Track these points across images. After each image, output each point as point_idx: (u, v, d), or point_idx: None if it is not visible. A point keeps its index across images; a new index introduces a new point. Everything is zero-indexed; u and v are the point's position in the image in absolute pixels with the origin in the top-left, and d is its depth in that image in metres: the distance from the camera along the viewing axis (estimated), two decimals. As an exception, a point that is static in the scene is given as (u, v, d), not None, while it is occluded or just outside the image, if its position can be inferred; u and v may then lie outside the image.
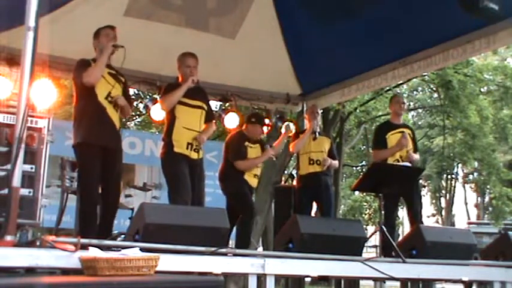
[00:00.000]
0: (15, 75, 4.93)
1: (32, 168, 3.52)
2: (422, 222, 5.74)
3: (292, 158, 10.65)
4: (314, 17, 5.97)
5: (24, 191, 3.36)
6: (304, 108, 7.09)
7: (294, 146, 6.12)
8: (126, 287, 2.48)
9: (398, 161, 5.60)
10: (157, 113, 6.11)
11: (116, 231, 4.85)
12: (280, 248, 4.11)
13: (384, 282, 4.50)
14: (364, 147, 19.24)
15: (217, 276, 3.23)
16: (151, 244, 3.24)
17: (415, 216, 5.61)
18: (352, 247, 4.14)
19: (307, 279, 7.34)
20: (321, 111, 6.95)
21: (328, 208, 5.97)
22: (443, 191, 23.73)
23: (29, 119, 3.26)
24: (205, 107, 4.89)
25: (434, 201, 26.68)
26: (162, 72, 6.16)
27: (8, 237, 2.89)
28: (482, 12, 4.08)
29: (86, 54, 4.40)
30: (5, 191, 3.01)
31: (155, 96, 6.81)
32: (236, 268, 3.49)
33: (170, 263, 3.13)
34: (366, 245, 4.58)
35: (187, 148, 4.64)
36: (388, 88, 13.05)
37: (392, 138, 5.72)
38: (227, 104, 7.11)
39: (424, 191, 25.00)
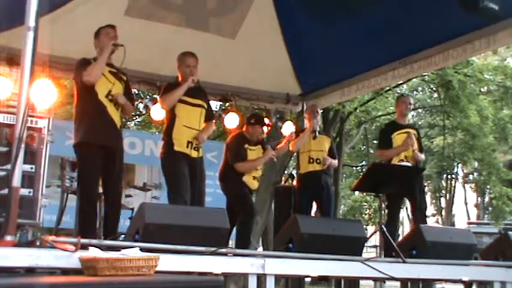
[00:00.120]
0: (15, 75, 4.93)
1: (32, 168, 3.52)
2: (426, 222, 5.77)
3: (292, 158, 10.65)
4: (314, 17, 5.96)
5: (24, 191, 3.36)
6: (304, 108, 7.09)
7: (294, 145, 6.12)
8: (126, 287, 2.48)
9: (403, 161, 5.60)
10: (157, 112, 6.11)
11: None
12: (280, 248, 4.11)
13: (384, 282, 4.51)
14: (364, 147, 19.24)
15: (217, 276, 3.23)
16: (151, 244, 3.24)
17: (419, 216, 5.63)
18: (352, 247, 4.14)
19: (307, 279, 7.35)
20: (321, 111, 6.95)
21: (328, 208, 5.97)
22: (443, 191, 23.73)
23: (29, 119, 3.26)
24: (206, 106, 4.89)
25: (434, 201, 26.67)
26: (162, 72, 6.16)
27: (8, 237, 2.89)
28: (482, 12, 4.08)
29: (86, 54, 4.40)
30: (5, 191, 3.01)
31: (155, 96, 6.81)
32: (236, 268, 3.49)
33: (170, 263, 3.13)
34: (366, 245, 4.58)
35: (187, 146, 4.65)
36: (388, 88, 13.04)
37: (397, 138, 5.73)
38: (227, 104, 7.11)
39: (424, 191, 24.88)
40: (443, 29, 5.18)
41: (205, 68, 5.00)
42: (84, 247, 2.97)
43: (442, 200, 25.07)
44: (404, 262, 4.14)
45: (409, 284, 5.01)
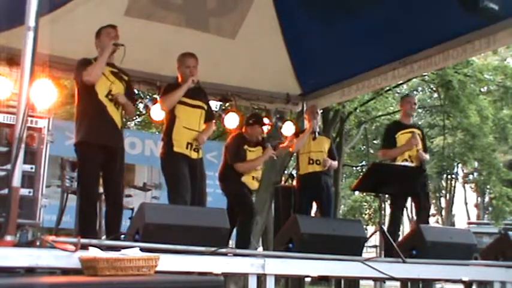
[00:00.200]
0: (15, 75, 4.93)
1: (32, 168, 3.52)
2: (428, 223, 5.78)
3: (292, 158, 10.65)
4: (314, 17, 5.96)
5: (24, 191, 3.36)
6: (304, 108, 7.09)
7: (294, 146, 6.12)
8: (126, 287, 2.48)
9: (407, 161, 5.60)
10: (157, 113, 6.11)
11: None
12: (280, 248, 4.11)
13: (384, 282, 4.51)
14: (364, 147, 19.24)
15: (217, 276, 3.23)
16: (151, 244, 3.24)
17: (423, 216, 5.64)
18: (352, 247, 4.14)
19: (307, 279, 7.35)
20: (321, 111, 6.96)
21: (328, 208, 5.97)
22: (443, 191, 23.72)
23: (29, 119, 3.26)
24: (205, 107, 4.89)
25: (434, 201, 26.65)
26: (162, 72, 6.16)
27: (8, 237, 2.89)
28: (482, 12, 4.08)
29: (86, 54, 4.40)
30: (5, 191, 3.01)
31: (155, 96, 6.81)
32: (236, 268, 3.49)
33: (170, 263, 3.13)
34: (366, 245, 4.58)
35: (186, 148, 4.65)
36: (388, 88, 13.04)
37: (401, 137, 5.72)
38: (227, 104, 7.10)
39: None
40: (443, 29, 5.18)
41: (205, 68, 5.00)
42: (84, 247, 2.97)
43: (442, 200, 25.06)
44: (404, 262, 4.14)
45: (409, 284, 5.00)
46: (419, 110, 19.77)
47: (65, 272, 2.93)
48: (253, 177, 5.39)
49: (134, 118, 14.43)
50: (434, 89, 14.56)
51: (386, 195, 5.35)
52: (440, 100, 14.21)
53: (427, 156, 5.83)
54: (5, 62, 5.29)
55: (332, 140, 7.07)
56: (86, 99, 4.27)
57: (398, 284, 4.94)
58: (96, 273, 2.54)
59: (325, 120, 12.52)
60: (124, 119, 4.57)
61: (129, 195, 7.70)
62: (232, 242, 5.29)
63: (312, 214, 6.21)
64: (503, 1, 4.06)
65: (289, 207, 6.08)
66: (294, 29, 6.29)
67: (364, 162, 19.56)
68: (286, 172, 10.34)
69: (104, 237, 4.36)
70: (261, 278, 3.58)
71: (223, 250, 3.57)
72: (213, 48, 5.97)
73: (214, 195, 6.21)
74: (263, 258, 3.56)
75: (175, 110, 4.70)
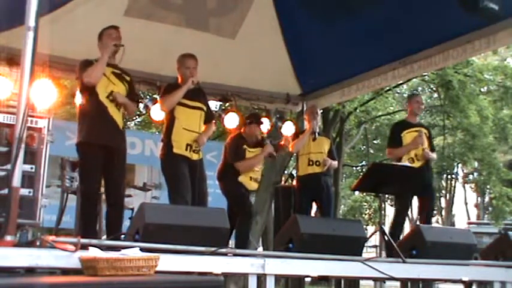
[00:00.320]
0: (15, 75, 4.93)
1: (32, 168, 3.52)
2: (431, 223, 5.79)
3: (292, 158, 10.65)
4: (314, 17, 5.96)
5: (24, 191, 3.35)
6: (304, 108, 7.09)
7: (294, 146, 6.12)
8: (126, 287, 2.48)
9: (413, 160, 5.60)
10: (157, 113, 6.10)
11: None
12: (280, 248, 4.11)
13: (384, 282, 4.51)
14: (364, 147, 19.23)
15: (217, 276, 3.23)
16: (151, 244, 3.24)
17: (428, 215, 5.64)
18: (352, 247, 4.14)
19: (307, 279, 7.34)
20: (321, 111, 6.95)
21: (328, 208, 5.97)
22: (443, 191, 23.70)
23: (29, 119, 3.26)
24: (205, 108, 4.90)
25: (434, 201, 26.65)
26: (162, 72, 6.15)
27: (8, 237, 2.89)
28: (482, 12, 4.08)
29: (86, 54, 4.41)
30: (5, 191, 3.01)
31: (155, 96, 6.81)
32: (236, 268, 3.49)
33: (170, 263, 3.13)
34: (366, 245, 4.58)
35: (186, 149, 4.65)
36: (388, 88, 13.04)
37: (407, 136, 5.71)
38: (227, 104, 7.10)
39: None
40: (443, 29, 5.18)
41: (205, 68, 5.00)
42: (84, 247, 2.97)
43: (442, 200, 25.05)
44: (404, 262, 4.15)
45: (409, 284, 5.01)
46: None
47: (65, 272, 2.93)
48: (251, 177, 5.38)
49: (134, 118, 14.43)
50: (434, 89, 14.56)
51: (386, 195, 5.36)
52: (440, 100, 14.21)
53: (433, 155, 5.81)
54: (5, 62, 5.29)
55: (332, 141, 7.06)
56: (87, 100, 4.29)
57: (398, 284, 4.94)
58: (96, 273, 2.54)
59: (325, 120, 12.51)
60: (124, 119, 4.56)
61: (129, 195, 7.69)
62: (232, 242, 5.29)
63: (312, 214, 6.21)
64: (503, 1, 4.06)
65: (289, 207, 6.08)
66: (294, 29, 6.29)
67: (364, 162, 19.56)
68: (286, 172, 10.33)
69: (104, 237, 4.36)
70: (261, 278, 3.58)
71: (223, 250, 3.57)
72: (213, 48, 5.97)
73: (214, 195, 6.20)
74: (263, 258, 3.57)
75: (174, 111, 4.70)
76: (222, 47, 6.10)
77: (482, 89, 14.89)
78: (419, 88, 16.40)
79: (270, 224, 9.56)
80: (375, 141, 19.20)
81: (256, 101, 7.03)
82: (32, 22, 3.12)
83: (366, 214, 22.39)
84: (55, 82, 5.14)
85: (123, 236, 3.94)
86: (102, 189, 4.41)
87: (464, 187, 25.93)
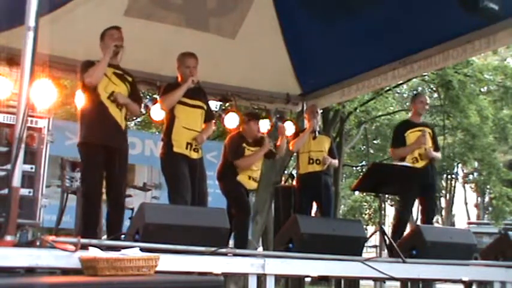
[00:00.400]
0: (15, 75, 4.93)
1: (32, 168, 3.52)
2: (432, 223, 5.79)
3: (292, 158, 10.64)
4: (314, 17, 5.96)
5: (24, 191, 3.35)
6: (304, 108, 7.09)
7: (294, 145, 6.12)
8: (126, 287, 2.48)
9: (417, 159, 5.59)
10: (157, 113, 6.11)
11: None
12: (280, 248, 4.11)
13: (384, 282, 4.51)
14: (364, 147, 19.23)
15: (217, 276, 3.23)
16: (151, 244, 3.24)
17: (430, 215, 5.64)
18: (352, 247, 4.14)
19: (307, 279, 7.34)
20: (321, 111, 6.95)
21: (328, 208, 5.97)
22: (443, 191, 23.71)
23: (29, 119, 3.26)
24: (205, 107, 4.89)
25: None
26: (162, 72, 6.16)
27: (8, 237, 2.89)
28: (482, 12, 4.08)
29: (86, 54, 4.42)
30: (5, 191, 3.01)
31: (155, 96, 6.81)
32: (236, 268, 3.49)
33: (170, 263, 3.13)
34: (366, 245, 4.58)
35: (186, 148, 4.65)
36: (388, 88, 13.04)
37: (411, 136, 5.70)
38: (227, 104, 7.10)
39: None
40: (443, 29, 5.18)
41: (205, 68, 5.00)
42: (84, 247, 2.97)
43: (442, 200, 25.06)
44: (404, 262, 4.15)
45: (409, 284, 5.01)
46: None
47: (65, 272, 2.93)
48: (249, 176, 5.38)
49: (134, 118, 14.43)
50: (434, 89, 14.56)
51: (386, 195, 5.36)
52: (440, 100, 14.20)
53: (437, 155, 5.78)
54: (5, 62, 5.29)
55: (332, 139, 7.06)
56: (88, 100, 4.30)
57: (398, 284, 4.94)
58: (96, 273, 2.54)
59: (325, 120, 12.51)
60: (126, 120, 4.56)
61: (129, 195, 7.69)
62: (232, 242, 5.29)
63: (312, 214, 6.21)
64: (503, 1, 4.06)
65: (289, 207, 6.07)
66: (294, 29, 6.29)
67: (364, 162, 19.56)
68: (286, 172, 10.34)
69: (104, 237, 4.36)
70: (261, 278, 3.58)
71: (223, 250, 3.57)
72: (213, 48, 5.97)
73: (214, 195, 6.20)
74: (263, 258, 3.57)
75: (174, 110, 4.70)
76: (222, 47, 6.10)
77: (482, 89, 14.89)
78: (419, 88, 16.39)
79: (270, 224, 9.56)
80: (375, 141, 19.20)
81: (256, 101, 7.03)
82: (32, 22, 3.12)
83: (366, 214, 22.39)
84: (55, 82, 5.15)
85: (123, 236, 3.94)
86: (103, 190, 4.41)
87: (464, 187, 25.94)
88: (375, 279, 4.53)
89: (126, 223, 4.54)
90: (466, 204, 26.70)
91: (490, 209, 22.10)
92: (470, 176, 23.72)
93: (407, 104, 17.83)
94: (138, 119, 14.85)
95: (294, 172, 6.61)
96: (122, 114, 4.39)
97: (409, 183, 5.17)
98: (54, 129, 3.73)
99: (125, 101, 4.37)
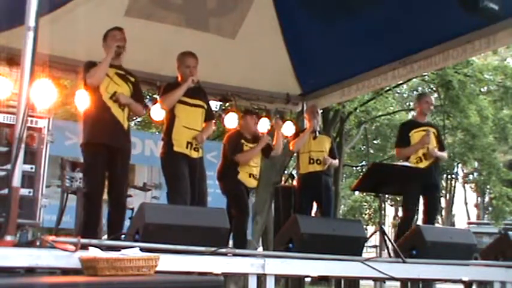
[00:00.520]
0: (15, 75, 4.93)
1: (32, 168, 3.51)
2: (434, 223, 5.79)
3: (292, 158, 10.64)
4: (314, 17, 5.96)
5: (24, 191, 3.35)
6: (304, 108, 7.09)
7: (294, 145, 6.12)
8: (126, 287, 2.48)
9: (421, 159, 5.58)
10: (157, 113, 6.10)
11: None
12: (280, 248, 4.11)
13: (384, 282, 4.51)
14: (364, 147, 19.23)
15: (217, 276, 3.23)
16: (151, 244, 3.25)
17: (432, 215, 5.65)
18: (352, 247, 4.14)
19: (307, 279, 7.34)
20: (321, 111, 6.95)
21: (328, 208, 5.97)
22: (443, 191, 23.71)
23: (29, 119, 3.26)
24: (205, 106, 4.90)
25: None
26: (162, 72, 6.15)
27: (8, 237, 2.89)
28: (482, 12, 4.08)
29: (86, 54, 4.44)
30: (5, 191, 3.01)
31: (155, 96, 6.80)
32: (236, 268, 3.49)
33: (170, 263, 3.13)
34: (366, 245, 4.58)
35: (186, 147, 4.65)
36: (388, 88, 13.04)
37: (415, 136, 5.69)
38: (227, 104, 7.10)
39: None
40: (443, 29, 5.18)
41: (205, 68, 5.00)
42: (84, 247, 2.97)
43: (442, 200, 25.07)
44: (404, 262, 4.15)
45: (409, 284, 5.01)
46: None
47: (65, 272, 2.93)
48: (250, 174, 5.39)
49: (134, 118, 14.42)
50: (434, 89, 14.56)
51: (386, 195, 5.36)
52: (440, 100, 14.19)
53: (442, 154, 5.76)
54: (5, 62, 5.29)
55: (333, 139, 7.05)
56: (91, 101, 4.31)
57: (398, 284, 4.94)
58: (96, 273, 2.54)
59: (325, 120, 12.52)
60: (128, 120, 4.57)
61: (129, 195, 7.68)
62: (231, 242, 5.29)
63: (312, 214, 6.21)
64: (503, 1, 4.05)
65: (289, 207, 6.08)
66: (294, 29, 6.29)
67: (364, 162, 19.56)
68: (286, 172, 10.35)
69: (104, 237, 4.36)
70: (261, 278, 3.58)
71: (223, 250, 3.57)
72: (213, 48, 5.97)
73: (214, 195, 6.20)
74: (263, 258, 3.57)
75: (175, 110, 4.70)
76: (222, 47, 6.10)
77: (482, 89, 14.89)
78: (419, 88, 16.40)
79: (270, 224, 9.56)
80: (375, 141, 19.20)
81: (256, 101, 7.03)
82: (32, 22, 3.12)
83: (366, 214, 22.39)
84: (55, 82, 5.13)
85: (123, 236, 3.94)
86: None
87: (464, 187, 25.94)
88: (375, 279, 4.52)
89: (126, 223, 4.55)
90: (466, 204, 26.71)
91: (490, 209, 22.10)
92: (470, 176, 23.73)
93: (407, 104, 17.88)
94: (138, 119, 14.85)
95: (294, 172, 6.61)
96: (125, 114, 4.40)
97: (410, 183, 5.17)
98: (54, 129, 3.73)
99: (127, 101, 4.38)
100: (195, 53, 4.80)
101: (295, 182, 6.33)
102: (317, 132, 6.06)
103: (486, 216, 23.32)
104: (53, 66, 5.09)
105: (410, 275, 4.16)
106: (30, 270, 2.84)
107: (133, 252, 2.79)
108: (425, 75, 13.25)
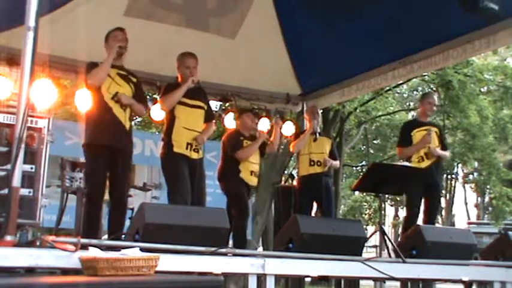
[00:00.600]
0: (15, 75, 4.93)
1: (32, 168, 3.52)
2: (434, 223, 5.79)
3: (292, 158, 10.64)
4: (314, 17, 5.96)
5: (24, 191, 3.35)
6: (304, 108, 7.09)
7: (295, 146, 6.12)
8: (126, 287, 2.48)
9: (423, 158, 5.58)
10: (157, 113, 6.10)
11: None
12: (280, 248, 4.12)
13: (384, 282, 4.51)
14: (364, 147, 19.23)
15: (217, 276, 3.23)
16: (151, 244, 3.25)
17: (429, 216, 5.64)
18: (352, 247, 4.14)
19: (307, 279, 7.34)
20: (321, 111, 6.95)
21: (328, 209, 5.96)
22: (443, 191, 23.72)
23: (29, 119, 3.27)
24: (205, 107, 4.90)
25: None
26: (162, 72, 6.15)
27: (8, 237, 2.89)
28: (482, 12, 4.08)
29: (86, 54, 4.44)
30: (5, 191, 3.01)
31: (155, 96, 6.81)
32: (236, 268, 3.49)
33: (170, 263, 3.13)
34: (366, 245, 4.58)
35: (186, 148, 4.65)
36: (388, 88, 13.03)
37: (417, 135, 5.69)
38: (227, 104, 7.10)
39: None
40: (443, 29, 5.18)
41: (205, 68, 5.00)
42: (84, 247, 2.97)
43: (442, 200, 25.08)
44: (404, 262, 4.15)
45: (409, 284, 5.01)
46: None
47: (65, 272, 2.93)
48: (251, 172, 5.38)
49: (134, 118, 14.43)
50: (434, 89, 14.55)
51: (386, 195, 5.37)
52: (440, 100, 14.19)
53: (443, 153, 5.75)
54: (5, 62, 5.29)
55: (333, 140, 7.05)
56: (93, 102, 4.32)
57: (398, 284, 4.94)
58: (96, 273, 2.54)
59: (325, 120, 12.52)
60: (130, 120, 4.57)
61: (129, 195, 7.68)
62: (230, 242, 5.29)
63: (312, 214, 6.20)
64: (503, 1, 4.05)
65: (289, 207, 6.07)
66: (294, 29, 6.29)
67: (364, 162, 19.56)
68: (286, 172, 10.34)
69: (104, 237, 4.36)
70: (261, 278, 3.58)
71: (223, 250, 3.57)
72: (213, 48, 5.97)
73: (214, 195, 6.20)
74: (263, 258, 3.57)
75: (175, 111, 4.70)
76: (222, 47, 6.10)
77: (482, 89, 14.88)
78: (419, 88, 16.41)
79: (270, 224, 9.57)
80: (375, 141, 19.20)
81: (256, 101, 7.03)
82: (32, 22, 3.13)
83: (366, 214, 22.38)
84: (55, 82, 5.13)
85: (123, 236, 3.94)
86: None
87: (464, 187, 25.94)
88: (375, 279, 4.52)
89: (126, 223, 4.55)
90: (466, 204, 26.71)
91: (490, 209, 22.09)
92: (470, 176, 23.73)
93: (407, 104, 17.89)
94: (138, 119, 14.85)
95: (294, 172, 6.61)
96: (126, 114, 4.40)
97: (410, 183, 5.17)
98: (54, 129, 3.73)
99: (128, 102, 4.38)
100: (195, 54, 4.80)
101: (295, 182, 6.33)
102: (317, 134, 6.06)
103: (486, 216, 23.32)
104: (53, 66, 5.10)
105: (410, 275, 4.16)
106: (30, 270, 2.84)
107: (133, 252, 2.79)
108: (425, 75, 13.25)
